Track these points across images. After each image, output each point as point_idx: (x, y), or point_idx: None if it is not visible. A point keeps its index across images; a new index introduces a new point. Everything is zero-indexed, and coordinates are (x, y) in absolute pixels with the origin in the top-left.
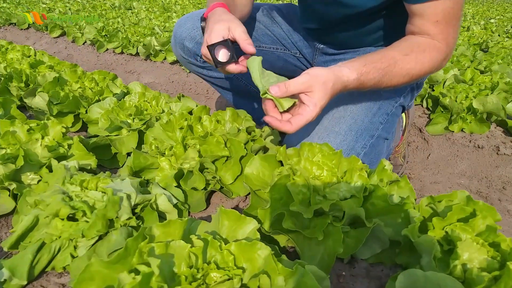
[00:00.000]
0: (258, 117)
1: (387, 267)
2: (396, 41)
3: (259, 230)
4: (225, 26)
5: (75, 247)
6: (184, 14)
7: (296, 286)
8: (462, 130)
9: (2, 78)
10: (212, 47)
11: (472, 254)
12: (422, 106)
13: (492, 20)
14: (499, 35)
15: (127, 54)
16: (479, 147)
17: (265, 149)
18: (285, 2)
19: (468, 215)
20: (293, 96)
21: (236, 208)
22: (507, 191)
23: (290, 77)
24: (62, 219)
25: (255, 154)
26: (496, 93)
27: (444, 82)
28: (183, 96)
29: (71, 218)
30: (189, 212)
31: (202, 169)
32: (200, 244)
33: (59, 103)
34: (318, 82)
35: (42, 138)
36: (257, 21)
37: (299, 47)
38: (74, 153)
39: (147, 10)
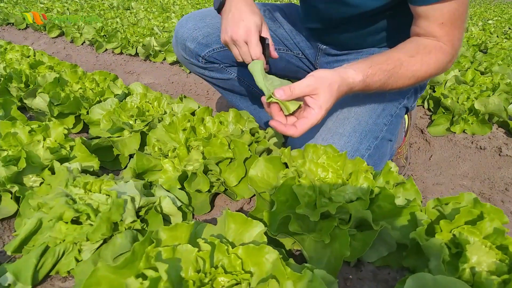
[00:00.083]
0: (260, 118)
1: (394, 270)
2: (402, 43)
3: (264, 233)
4: (259, 21)
5: (79, 251)
6: (183, 15)
7: None
8: (464, 131)
9: (2, 79)
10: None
11: (481, 257)
12: (423, 107)
13: (490, 21)
14: (497, 36)
15: (126, 55)
16: (481, 148)
17: (268, 151)
18: (284, 1)
19: (475, 218)
20: (298, 99)
21: (241, 210)
22: (510, 192)
23: (292, 78)
24: (66, 222)
25: (259, 156)
26: (497, 94)
27: (445, 83)
28: (185, 97)
29: (75, 221)
30: (193, 215)
31: (206, 171)
32: (208, 248)
33: (60, 104)
34: (324, 84)
35: (44, 139)
36: None
37: (301, 47)
38: (77, 155)
39: (146, 10)
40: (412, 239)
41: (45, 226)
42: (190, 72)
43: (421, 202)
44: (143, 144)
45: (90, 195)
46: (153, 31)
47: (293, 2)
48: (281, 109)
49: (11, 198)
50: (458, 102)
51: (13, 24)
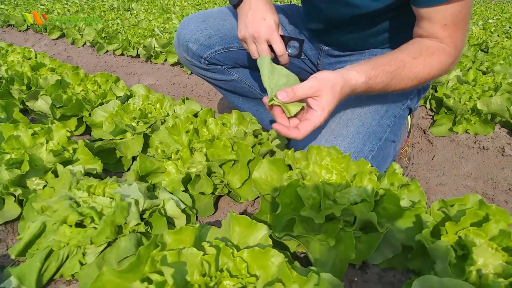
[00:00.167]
0: (263, 119)
1: (399, 273)
2: (405, 44)
3: (269, 235)
4: (278, 19)
5: (83, 254)
6: (183, 16)
7: None
8: (466, 132)
9: (4, 81)
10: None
11: (487, 260)
12: (425, 107)
13: (490, 21)
14: (498, 36)
15: (127, 56)
16: (484, 149)
17: (272, 153)
18: (285, 2)
19: (481, 219)
20: (301, 100)
21: (245, 212)
22: None
23: None
24: (70, 226)
25: (263, 158)
26: (499, 94)
27: (447, 83)
28: (187, 98)
29: (79, 224)
30: (197, 217)
31: (209, 173)
32: (213, 252)
33: (62, 106)
34: (326, 86)
35: (47, 142)
36: None
37: (303, 48)
38: (80, 158)
39: (146, 12)
40: (418, 241)
41: (49, 229)
42: (191, 73)
43: (426, 203)
44: (146, 147)
45: (94, 198)
46: (154, 32)
47: (293, 2)
48: (283, 111)
49: (15, 201)
50: (460, 102)
51: (13, 26)
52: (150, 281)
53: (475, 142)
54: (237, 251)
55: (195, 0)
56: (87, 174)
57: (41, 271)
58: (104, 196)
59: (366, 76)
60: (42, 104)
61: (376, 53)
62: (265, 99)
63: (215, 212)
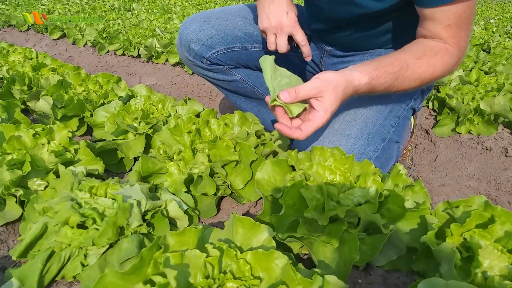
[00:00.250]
0: (265, 120)
1: (403, 274)
2: (408, 44)
3: (272, 237)
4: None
5: (85, 256)
6: (184, 16)
7: None
8: (469, 132)
9: (5, 81)
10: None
11: (493, 262)
12: (428, 107)
13: (491, 21)
14: (500, 36)
15: (129, 56)
16: (487, 149)
17: (274, 153)
18: None
19: (486, 221)
20: (303, 101)
21: (247, 213)
22: None
23: None
24: (72, 227)
25: (265, 158)
26: (502, 94)
27: (450, 83)
28: (189, 99)
29: (81, 225)
30: (199, 218)
31: (212, 174)
32: (216, 253)
33: (63, 107)
34: (329, 87)
35: (48, 143)
36: None
37: None
38: (81, 158)
39: (147, 12)
40: (423, 243)
41: (50, 230)
42: (192, 73)
43: (430, 205)
44: (147, 147)
45: (96, 199)
46: (155, 32)
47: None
48: (285, 112)
49: (16, 202)
50: (463, 103)
51: (14, 26)
52: (153, 283)
53: (478, 143)
54: (241, 253)
55: (196, 0)
56: (89, 175)
57: (42, 273)
58: (106, 197)
59: (369, 76)
60: (43, 104)
61: (380, 54)
62: (268, 99)
63: (217, 213)
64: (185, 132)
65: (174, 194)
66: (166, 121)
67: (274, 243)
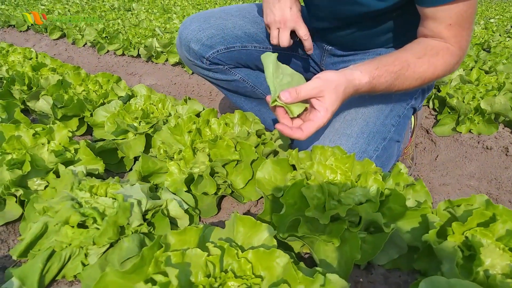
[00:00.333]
0: (265, 119)
1: (404, 273)
2: (409, 44)
3: (273, 236)
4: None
5: (86, 255)
6: (184, 16)
7: None
8: (470, 131)
9: (5, 81)
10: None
11: (494, 260)
12: (428, 107)
13: (491, 20)
14: (500, 35)
15: (128, 56)
16: (487, 148)
17: (275, 153)
18: None
19: (488, 220)
20: (304, 101)
21: (248, 213)
22: None
23: None
24: (72, 226)
25: (266, 158)
26: (502, 93)
27: (450, 82)
28: (189, 98)
29: (81, 225)
30: (200, 218)
31: (212, 173)
32: (217, 252)
33: (63, 107)
34: (330, 86)
35: (48, 142)
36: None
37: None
38: (81, 158)
39: (147, 12)
40: (424, 242)
41: (51, 230)
42: (192, 73)
43: (431, 203)
44: (148, 147)
45: (96, 199)
46: (154, 32)
47: None
48: (286, 112)
49: (16, 201)
50: (463, 102)
51: (14, 26)
52: (154, 282)
53: (478, 142)
54: (242, 251)
55: (196, 0)
56: (89, 174)
57: (43, 272)
58: (106, 196)
59: (370, 76)
60: (43, 104)
61: (380, 53)
62: (268, 99)
63: (218, 213)
64: (186, 131)
65: (175, 194)
66: (166, 120)
67: (275, 242)
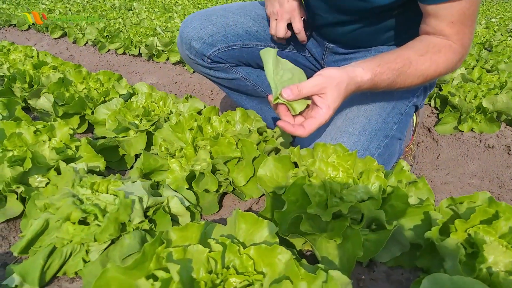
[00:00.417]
0: (266, 117)
1: (407, 271)
2: (411, 41)
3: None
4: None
5: (87, 252)
6: (185, 15)
7: None
8: (471, 130)
9: (6, 79)
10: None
11: (498, 257)
12: (430, 105)
13: (493, 20)
14: (501, 34)
15: (129, 55)
16: (489, 147)
17: (277, 150)
18: None
19: (490, 217)
20: (306, 98)
21: (250, 210)
22: None
23: None
24: (73, 223)
25: (268, 155)
26: (504, 92)
27: (452, 81)
28: (190, 96)
29: (82, 221)
30: (201, 215)
31: (214, 170)
32: (219, 249)
33: (64, 104)
34: (332, 83)
35: (49, 140)
36: (265, 20)
37: (308, 46)
38: (82, 155)
39: (148, 11)
40: (426, 239)
41: (52, 226)
42: (193, 72)
43: (434, 201)
44: (149, 144)
45: (98, 196)
46: (155, 31)
47: None
48: (288, 109)
49: (17, 198)
50: (465, 100)
51: (15, 25)
52: (155, 278)
53: (480, 141)
54: (243, 248)
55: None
56: (90, 171)
57: (44, 269)
58: (107, 193)
59: (372, 73)
60: (44, 102)
61: (382, 51)
62: (270, 98)
63: (219, 210)
64: (187, 129)
65: (176, 191)
66: (168, 118)
67: (277, 239)
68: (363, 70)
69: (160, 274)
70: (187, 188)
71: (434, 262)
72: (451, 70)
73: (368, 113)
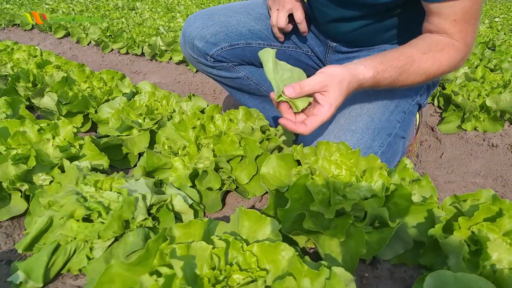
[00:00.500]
0: (269, 116)
1: (410, 268)
2: (414, 39)
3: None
4: None
5: (91, 249)
6: (188, 14)
7: None
8: (475, 129)
9: (10, 78)
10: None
11: (501, 255)
12: (433, 104)
13: (496, 19)
14: (504, 34)
15: (132, 55)
16: (493, 146)
17: (280, 148)
18: None
19: (494, 215)
20: (308, 95)
21: (253, 208)
22: None
23: None
24: (77, 220)
25: (270, 154)
26: (508, 90)
27: (455, 80)
28: (193, 95)
29: (86, 219)
30: (204, 213)
31: (217, 168)
32: (222, 245)
33: (68, 103)
34: (334, 81)
35: (53, 138)
36: (268, 18)
37: (310, 45)
38: (86, 153)
39: (151, 11)
40: (430, 237)
41: (56, 224)
42: (196, 72)
43: (437, 199)
44: (152, 143)
45: (101, 193)
46: (158, 31)
47: None
48: (290, 107)
49: (21, 196)
50: (469, 99)
51: (19, 25)
52: (159, 274)
53: (484, 140)
54: (247, 245)
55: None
56: (94, 170)
57: (48, 266)
58: (111, 191)
59: (374, 70)
60: (48, 101)
61: (386, 49)
62: (273, 95)
63: (222, 208)
64: (190, 127)
65: (179, 189)
66: (171, 117)
67: (280, 236)
68: (365, 68)
69: (164, 270)
70: (190, 186)
71: (438, 260)
72: (454, 69)
73: (371, 111)
